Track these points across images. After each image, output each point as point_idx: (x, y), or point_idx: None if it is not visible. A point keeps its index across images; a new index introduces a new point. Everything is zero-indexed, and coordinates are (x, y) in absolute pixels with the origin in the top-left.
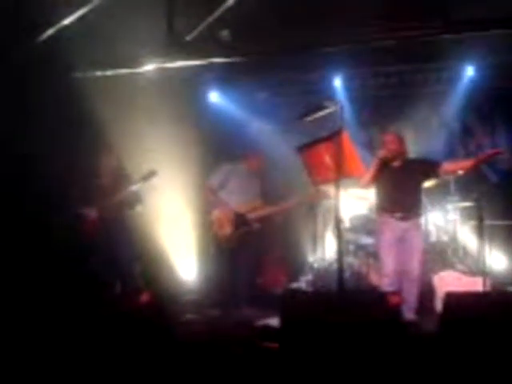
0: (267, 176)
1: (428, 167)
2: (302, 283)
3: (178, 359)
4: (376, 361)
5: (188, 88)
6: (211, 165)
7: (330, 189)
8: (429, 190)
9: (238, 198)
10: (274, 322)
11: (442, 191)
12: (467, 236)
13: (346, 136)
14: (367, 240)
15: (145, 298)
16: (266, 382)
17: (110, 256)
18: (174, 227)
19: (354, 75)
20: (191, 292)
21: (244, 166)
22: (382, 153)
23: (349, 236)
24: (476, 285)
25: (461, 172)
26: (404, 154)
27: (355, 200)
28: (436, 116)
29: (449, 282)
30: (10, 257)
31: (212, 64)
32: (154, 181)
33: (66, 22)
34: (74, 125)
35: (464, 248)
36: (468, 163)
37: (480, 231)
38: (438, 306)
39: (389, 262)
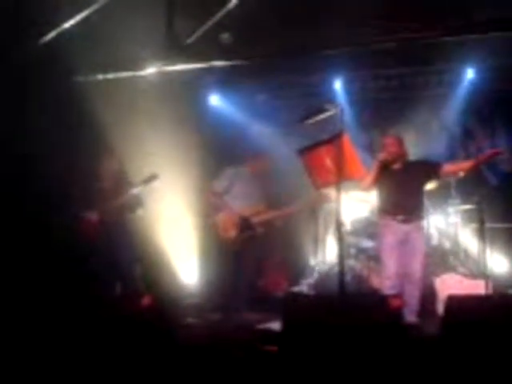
0: (270, 179)
1: (429, 168)
2: (304, 286)
3: (179, 363)
4: (377, 364)
5: (188, 91)
6: (212, 168)
7: (330, 192)
8: (430, 193)
9: (242, 201)
10: (276, 325)
11: (443, 194)
12: (468, 239)
13: (347, 139)
14: (368, 243)
15: (146, 301)
16: None
17: (111, 259)
18: (175, 231)
19: (354, 78)
20: (192, 295)
21: (247, 169)
22: (382, 155)
23: (350, 239)
24: (478, 288)
25: (461, 174)
26: (404, 156)
27: (356, 203)
28: (436, 119)
29: (450, 284)
30: (10, 258)
31: (212, 67)
32: (155, 184)
33: (67, 24)
34: (75, 128)
35: (465, 251)
36: (468, 164)
37: (481, 234)
38: (440, 308)
39: (390, 265)
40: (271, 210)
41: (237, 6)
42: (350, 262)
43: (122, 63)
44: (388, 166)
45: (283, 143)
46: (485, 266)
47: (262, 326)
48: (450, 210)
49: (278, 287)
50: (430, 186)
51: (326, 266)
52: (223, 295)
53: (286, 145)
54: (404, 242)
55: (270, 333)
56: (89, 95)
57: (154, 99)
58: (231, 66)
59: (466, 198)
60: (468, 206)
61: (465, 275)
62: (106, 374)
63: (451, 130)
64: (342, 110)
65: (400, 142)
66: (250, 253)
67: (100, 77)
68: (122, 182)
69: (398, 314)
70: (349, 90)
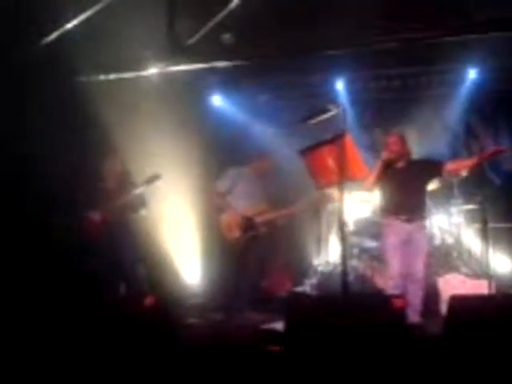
0: (273, 179)
1: (431, 167)
2: (307, 287)
3: (182, 363)
4: (381, 364)
5: (190, 92)
6: (214, 168)
7: (333, 192)
8: (433, 192)
9: (244, 201)
10: (279, 325)
11: (445, 194)
12: (471, 239)
13: (349, 139)
14: (371, 243)
15: (149, 301)
16: None
17: (114, 259)
18: (178, 231)
19: (356, 78)
20: (195, 295)
21: (250, 169)
22: (385, 154)
23: (353, 239)
24: (481, 288)
25: (464, 173)
26: (408, 155)
27: (359, 203)
28: (439, 119)
29: (453, 284)
30: (12, 258)
31: (214, 67)
32: (158, 184)
33: (70, 25)
34: (77, 128)
35: (468, 251)
36: (471, 161)
37: (484, 234)
38: (443, 309)
39: (394, 265)
40: (274, 209)
41: (238, 7)
42: (353, 262)
43: (124, 64)
44: (391, 164)
45: (285, 143)
46: (488, 265)
47: (265, 326)
48: (453, 209)
49: (281, 287)
50: (433, 185)
51: (329, 266)
52: (226, 295)
53: (289, 145)
54: (407, 242)
55: (273, 333)
56: (91, 96)
57: (157, 100)
58: (233, 67)
59: (468, 197)
60: (471, 206)
61: (468, 275)
62: (109, 374)
63: (454, 130)
64: (344, 110)
65: (403, 141)
66: (253, 253)
67: (102, 77)
68: (125, 182)
69: (401, 314)
70: (351, 90)
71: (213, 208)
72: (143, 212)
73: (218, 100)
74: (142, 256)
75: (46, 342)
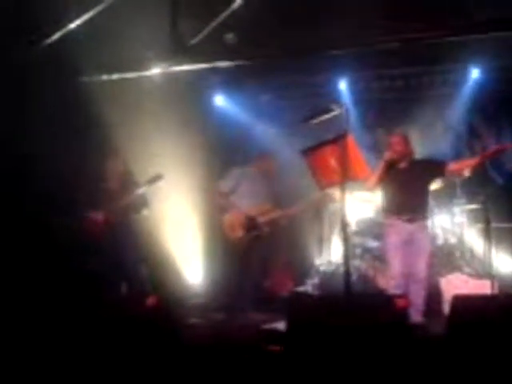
0: (275, 178)
1: (434, 167)
2: (309, 286)
3: (184, 363)
4: (383, 364)
5: (193, 91)
6: (217, 168)
7: (335, 192)
8: (435, 192)
9: (248, 201)
10: (281, 325)
11: (448, 194)
12: (474, 239)
13: (351, 139)
14: (373, 243)
15: (151, 301)
16: None
17: (116, 259)
18: (180, 231)
19: (359, 78)
20: (197, 295)
21: (254, 169)
22: (388, 154)
23: (355, 239)
24: (483, 287)
25: (467, 173)
26: (410, 155)
27: (361, 203)
28: (441, 118)
29: (456, 284)
30: (14, 258)
31: (217, 67)
32: (160, 184)
33: (73, 25)
34: (80, 128)
35: (471, 250)
36: (473, 161)
37: (487, 234)
38: (446, 309)
39: (396, 265)
40: (277, 209)
41: (241, 7)
42: (356, 262)
43: (126, 64)
44: (394, 164)
45: (288, 143)
46: (490, 265)
47: (267, 326)
48: (456, 209)
49: (284, 287)
50: (436, 185)
51: (331, 266)
52: (228, 295)
53: (291, 145)
54: (409, 242)
55: (274, 333)
56: (94, 96)
57: (159, 100)
58: (236, 67)
59: (471, 197)
60: (474, 206)
61: (470, 275)
62: (111, 374)
63: (456, 130)
64: (346, 110)
65: (406, 141)
66: (256, 253)
67: (105, 77)
68: (127, 182)
69: (403, 313)
70: (353, 90)
71: (216, 208)
72: (145, 212)
73: (220, 100)
74: (144, 256)
75: (47, 343)
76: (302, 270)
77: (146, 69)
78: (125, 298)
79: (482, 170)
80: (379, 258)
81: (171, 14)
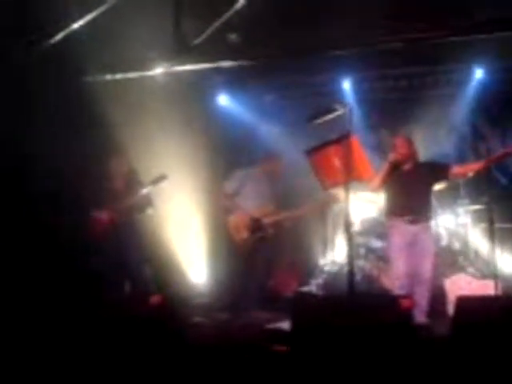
0: (280, 180)
1: (438, 170)
2: (313, 286)
3: (188, 362)
4: (387, 364)
5: (197, 91)
6: (221, 168)
7: (339, 192)
8: (439, 193)
9: (252, 203)
10: (285, 325)
11: (452, 194)
12: (478, 239)
13: (355, 139)
14: (378, 243)
15: (155, 300)
16: None
17: (120, 259)
18: (185, 231)
19: (362, 78)
20: (201, 295)
21: (258, 170)
22: (392, 156)
23: (359, 239)
24: (487, 288)
25: (471, 174)
26: (414, 157)
27: (365, 203)
28: (445, 119)
29: (460, 285)
30: (18, 257)
31: (220, 67)
32: (164, 184)
33: (76, 25)
34: (83, 128)
35: (475, 251)
36: (478, 165)
37: (491, 234)
38: (450, 309)
39: (399, 266)
40: (281, 210)
41: (244, 7)
42: (360, 263)
43: (130, 64)
44: (398, 166)
45: (291, 143)
46: (494, 266)
47: (271, 326)
48: (460, 210)
49: (287, 287)
50: (439, 186)
51: (335, 266)
52: (232, 295)
53: (295, 145)
54: (412, 244)
55: (279, 333)
56: (97, 96)
57: (163, 100)
58: (239, 67)
59: (475, 198)
60: (477, 207)
61: (474, 276)
62: (115, 374)
63: (460, 131)
64: (350, 110)
65: (410, 143)
66: (261, 253)
67: (108, 77)
68: (131, 182)
69: (408, 314)
70: (357, 90)
71: (220, 209)
72: (149, 212)
73: (224, 100)
74: (148, 256)
75: (50, 342)
76: (307, 270)
77: (150, 69)
78: (128, 298)
79: (486, 170)
80: (383, 258)
81: (174, 13)
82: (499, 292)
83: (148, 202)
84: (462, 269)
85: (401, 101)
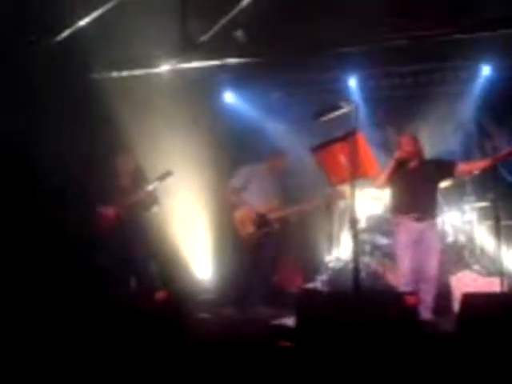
0: (286, 176)
1: (443, 168)
2: (318, 283)
3: (193, 357)
4: (392, 361)
5: (203, 89)
6: (227, 164)
7: (345, 189)
8: (445, 190)
9: (258, 198)
10: (289, 321)
11: (458, 192)
12: (484, 236)
13: (361, 136)
14: (383, 240)
15: (161, 296)
16: (281, 381)
17: (126, 255)
18: (190, 227)
19: (369, 75)
20: (207, 291)
21: (265, 166)
22: (398, 154)
23: (365, 236)
24: (493, 285)
25: (477, 172)
26: (420, 155)
27: (371, 200)
28: (452, 116)
29: (466, 282)
30: (23, 252)
31: (227, 64)
32: (170, 181)
33: (82, 22)
34: (90, 125)
35: (481, 248)
36: (484, 163)
37: (497, 231)
38: (455, 306)
39: (405, 263)
40: (287, 206)
41: (250, 4)
42: (365, 259)
43: (136, 61)
44: (403, 164)
45: (297, 140)
46: (500, 263)
47: (276, 322)
48: (466, 207)
49: (293, 283)
50: (445, 183)
51: (340, 262)
52: (238, 290)
53: (301, 142)
54: (418, 241)
55: (284, 328)
56: (104, 93)
57: (169, 97)
58: (245, 64)
59: (481, 195)
60: (483, 204)
61: (480, 273)
62: (121, 369)
63: (467, 128)
64: (356, 107)
65: (415, 141)
66: (266, 249)
67: (115, 74)
68: (137, 179)
69: (413, 311)
70: (363, 88)
71: (226, 204)
72: (155, 209)
73: (230, 97)
74: (153, 252)
75: (56, 336)
76: (312, 267)
77: (156, 66)
78: (134, 294)
79: (492, 168)
80: (389, 255)
81: (181, 11)
82: (505, 289)
83: (154, 199)
84: (467, 266)
85: (407, 98)
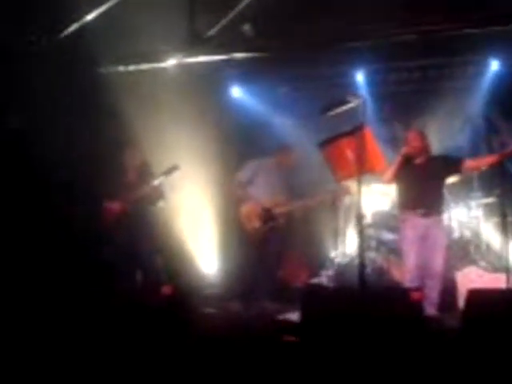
0: (293, 171)
1: (450, 164)
2: (323, 278)
3: (198, 352)
4: (397, 356)
5: (210, 83)
6: (233, 159)
7: (351, 184)
8: (452, 186)
9: (264, 193)
10: (295, 316)
11: (465, 188)
12: (490, 232)
13: (369, 131)
14: (389, 236)
15: (166, 290)
16: (286, 376)
17: (131, 249)
18: (196, 221)
19: (376, 70)
20: (212, 285)
21: (272, 161)
22: (404, 149)
23: (370, 232)
24: (499, 282)
25: (484, 168)
26: (427, 151)
27: (377, 196)
28: (459, 112)
29: (471, 278)
30: (29, 246)
31: (234, 59)
32: (177, 175)
33: (90, 17)
34: (96, 119)
35: (487, 244)
36: (491, 159)
37: (503, 228)
38: (461, 302)
39: (411, 258)
40: (293, 201)
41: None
42: (371, 255)
43: (143, 55)
44: (410, 160)
45: (305, 135)
46: (506, 260)
47: (281, 317)
48: (472, 203)
49: (298, 278)
50: (452, 179)
51: (346, 258)
52: (243, 285)
53: (308, 137)
54: (424, 237)
55: (289, 323)
56: (111, 87)
57: (176, 92)
58: (252, 58)
59: (488, 191)
60: (490, 200)
61: (486, 269)
62: (126, 363)
63: (474, 124)
64: (364, 102)
65: (423, 137)
66: (271, 244)
67: (122, 69)
68: (144, 173)
69: (418, 306)
70: (371, 82)
71: (232, 199)
72: (161, 203)
73: (237, 92)
74: (159, 246)
75: (62, 330)
76: (317, 262)
77: (163, 60)
78: (140, 288)
79: (500, 164)
80: (394, 250)
81: (188, 5)
82: (511, 286)
83: (160, 194)
84: (473, 262)
85: (414, 93)
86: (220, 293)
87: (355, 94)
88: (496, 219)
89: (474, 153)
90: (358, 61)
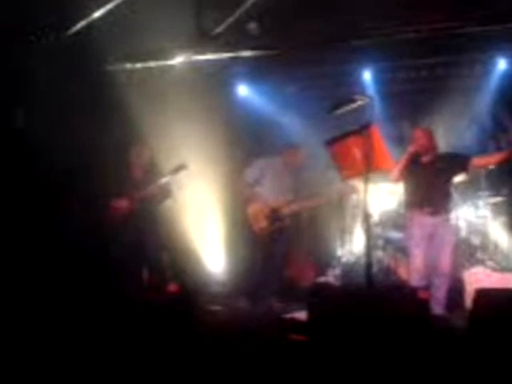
0: (301, 170)
1: (458, 162)
2: (330, 277)
3: (204, 350)
4: (404, 355)
5: (217, 82)
6: (240, 158)
7: (358, 183)
8: (459, 185)
9: (272, 191)
10: (301, 315)
11: (472, 187)
12: (498, 232)
13: (376, 129)
14: (396, 235)
15: (172, 288)
16: (293, 375)
17: (138, 247)
18: (203, 219)
19: (384, 68)
20: (219, 283)
21: (281, 160)
22: (412, 148)
23: (377, 230)
24: (506, 281)
25: (491, 166)
26: (434, 149)
27: (384, 194)
28: (467, 110)
29: (479, 278)
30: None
31: (241, 57)
32: (184, 173)
33: (97, 14)
34: (104, 117)
35: (495, 244)
36: (498, 157)
37: (511, 227)
38: (468, 302)
39: (418, 257)
40: (300, 200)
41: None
42: (378, 254)
43: (151, 53)
44: (417, 158)
45: (312, 134)
46: None
47: (288, 315)
48: (480, 202)
49: (305, 277)
50: (460, 178)
51: (353, 256)
52: (250, 284)
53: (315, 135)
54: (432, 236)
55: (296, 322)
56: (119, 85)
57: (183, 90)
58: (259, 57)
59: (495, 190)
60: (498, 199)
61: (493, 269)
62: (132, 360)
63: (482, 122)
64: (371, 101)
65: (430, 135)
66: (279, 243)
67: (129, 66)
68: (151, 172)
69: (425, 305)
70: (378, 81)
71: (240, 198)
72: (168, 202)
73: (244, 90)
74: (166, 244)
75: (67, 328)
76: (324, 261)
77: (170, 58)
78: (146, 286)
79: (507, 162)
80: (401, 249)
81: (195, 3)
82: None
83: (167, 193)
84: (480, 261)
85: (422, 91)
86: (226, 291)
87: (363, 93)
88: (504, 218)
89: (482, 151)
90: (365, 59)
